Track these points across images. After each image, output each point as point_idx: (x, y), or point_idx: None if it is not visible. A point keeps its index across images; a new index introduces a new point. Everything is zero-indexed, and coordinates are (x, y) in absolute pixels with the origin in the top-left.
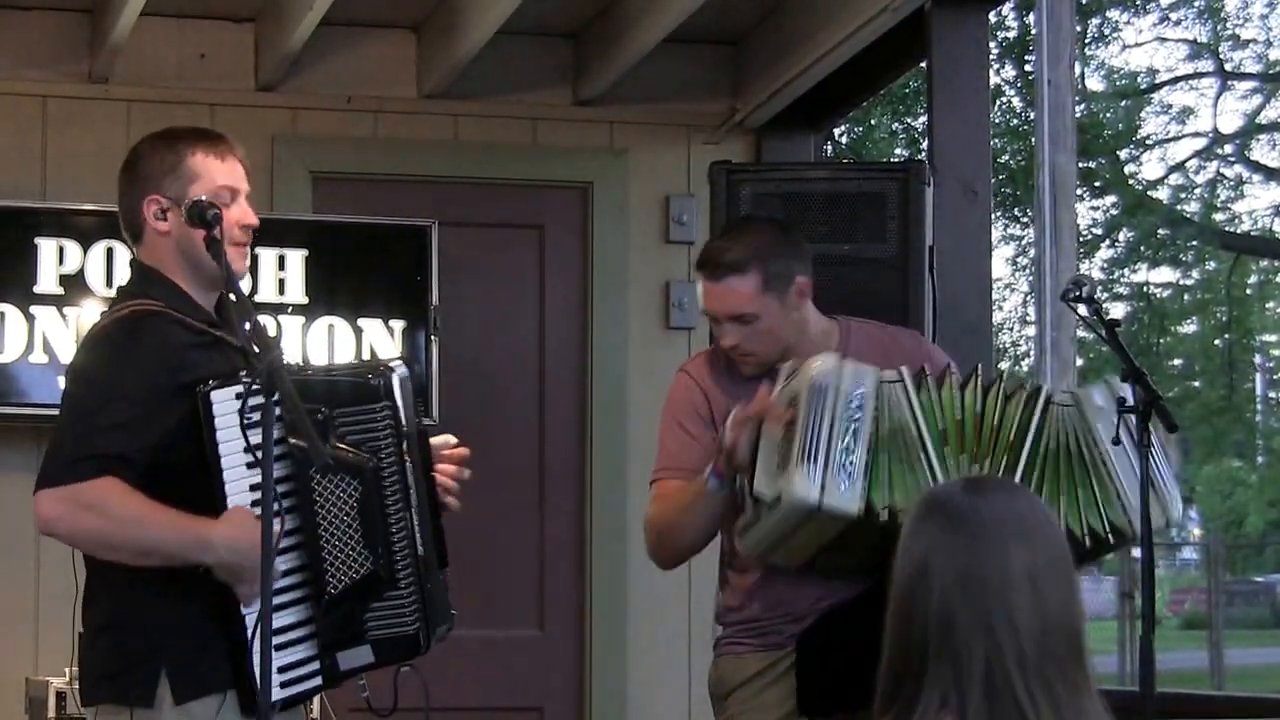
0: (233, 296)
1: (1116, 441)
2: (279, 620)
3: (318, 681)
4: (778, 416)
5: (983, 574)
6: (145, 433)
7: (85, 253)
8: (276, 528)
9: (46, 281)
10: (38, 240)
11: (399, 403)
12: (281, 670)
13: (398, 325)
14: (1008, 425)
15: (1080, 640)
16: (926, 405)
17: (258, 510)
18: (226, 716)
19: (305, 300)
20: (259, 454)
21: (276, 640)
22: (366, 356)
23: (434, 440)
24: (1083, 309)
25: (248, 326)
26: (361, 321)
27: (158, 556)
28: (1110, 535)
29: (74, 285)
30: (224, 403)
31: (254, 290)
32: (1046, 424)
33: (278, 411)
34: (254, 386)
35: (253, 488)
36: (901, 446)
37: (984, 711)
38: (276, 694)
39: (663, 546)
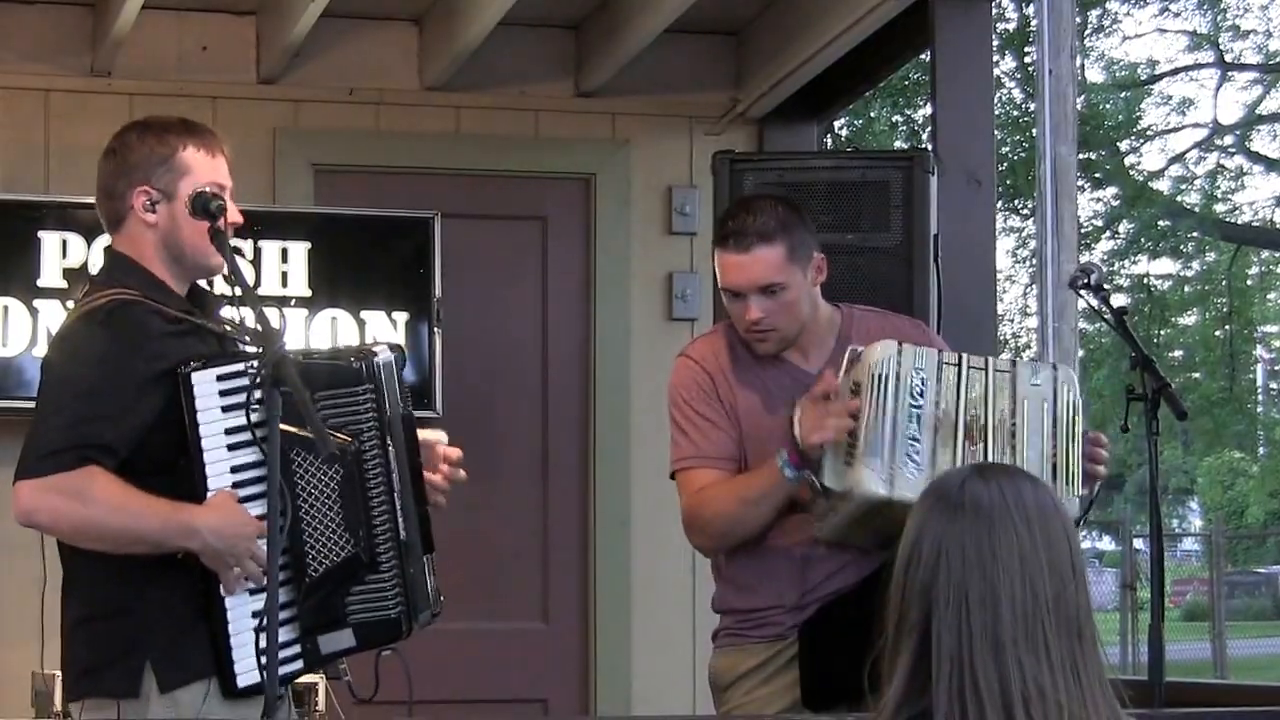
0: (238, 289)
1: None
2: (262, 604)
3: (299, 665)
4: (845, 409)
5: (967, 553)
6: (125, 422)
7: (88, 246)
8: (249, 524)
9: (50, 275)
10: (40, 234)
11: (382, 387)
12: (264, 653)
13: (400, 317)
14: (985, 408)
15: (1077, 626)
16: (966, 391)
17: (240, 493)
18: (211, 702)
19: (308, 293)
20: (256, 433)
21: (257, 624)
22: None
23: (425, 436)
24: (1090, 297)
25: (252, 315)
26: (364, 314)
27: (142, 544)
28: None
29: (77, 279)
30: (204, 384)
31: (257, 283)
32: (995, 393)
33: (257, 395)
34: (257, 375)
35: (234, 469)
36: (945, 427)
37: (951, 687)
38: (257, 677)
39: (722, 538)
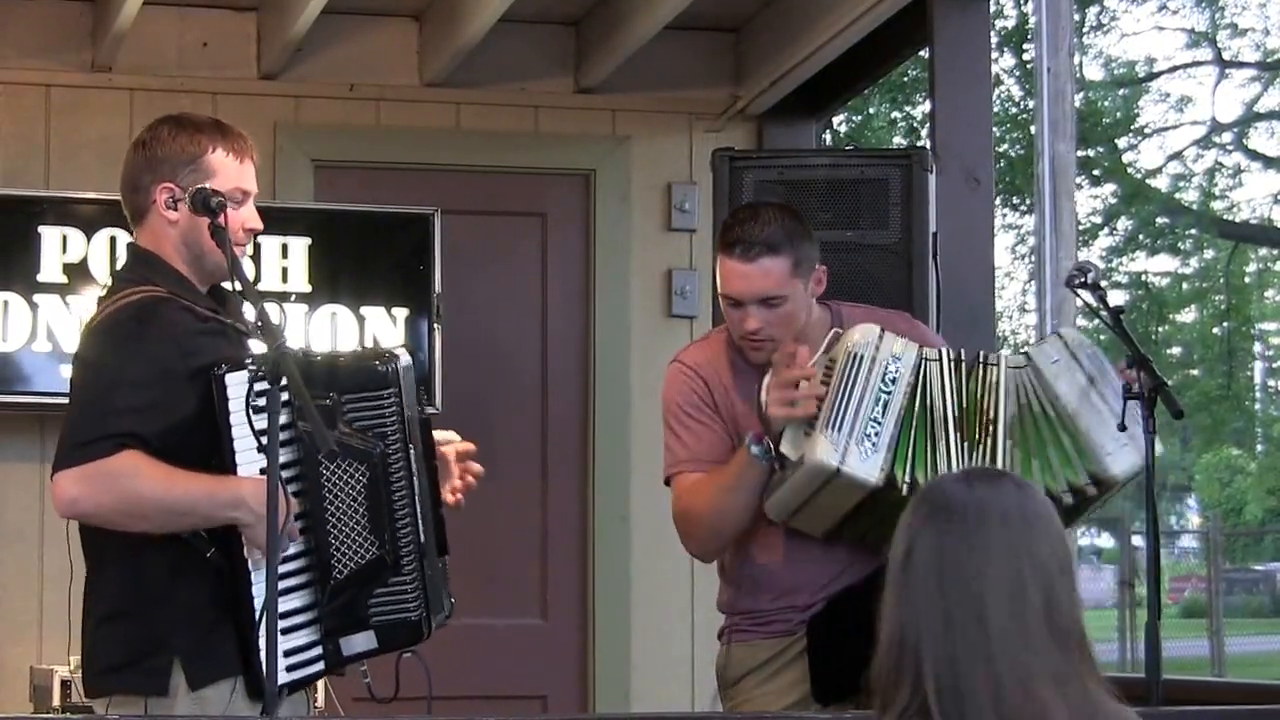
0: (238, 285)
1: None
2: (284, 604)
3: (320, 666)
4: (814, 389)
5: (962, 565)
6: (158, 417)
7: (88, 241)
8: (283, 514)
9: (50, 270)
10: (41, 229)
11: (403, 390)
12: (286, 654)
13: (400, 313)
14: (989, 406)
15: (1072, 633)
16: (957, 387)
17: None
18: (238, 701)
19: (308, 289)
20: (264, 439)
21: (282, 625)
22: (369, 344)
23: (438, 436)
24: (1087, 295)
25: (254, 314)
26: (364, 309)
27: (189, 518)
28: (1090, 484)
29: (77, 274)
30: (237, 385)
31: (257, 278)
32: (1006, 392)
33: (285, 398)
34: (259, 373)
35: (263, 471)
36: (930, 424)
37: (952, 704)
38: (282, 678)
39: (710, 535)
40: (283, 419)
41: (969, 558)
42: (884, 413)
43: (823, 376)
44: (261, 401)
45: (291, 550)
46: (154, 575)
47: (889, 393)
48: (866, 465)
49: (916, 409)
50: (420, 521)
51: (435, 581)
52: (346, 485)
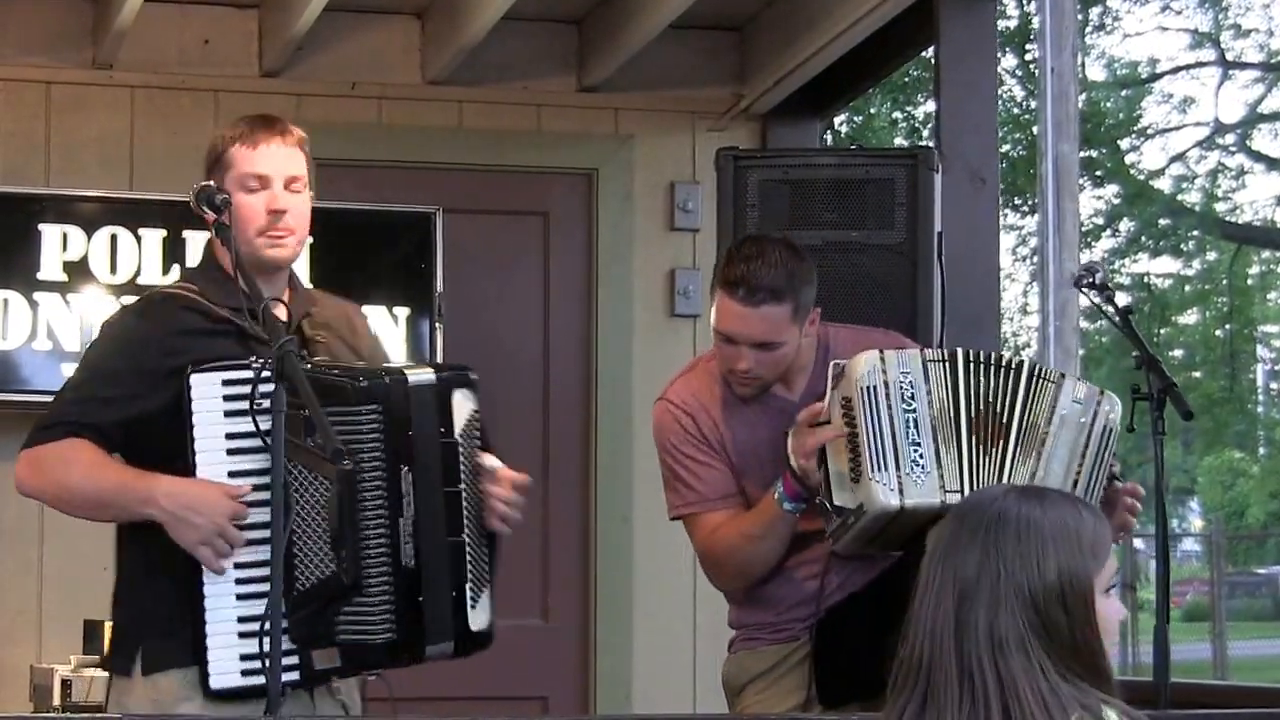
0: (244, 286)
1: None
2: (248, 609)
3: (294, 676)
4: (837, 432)
5: (973, 578)
6: (124, 408)
7: (89, 240)
8: (248, 486)
9: (50, 268)
10: (41, 227)
11: (409, 409)
12: (246, 658)
13: (402, 313)
14: (1007, 408)
15: (1088, 659)
16: (968, 387)
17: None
18: (187, 689)
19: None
20: (259, 426)
21: (243, 629)
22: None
23: (486, 460)
24: (1094, 295)
25: (258, 315)
26: (366, 309)
27: (111, 509)
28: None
29: (77, 272)
30: (204, 386)
31: None
32: (1032, 400)
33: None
34: (264, 373)
35: (230, 474)
36: (944, 426)
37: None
38: (237, 680)
39: (738, 577)
40: (244, 426)
41: (953, 557)
42: (918, 430)
43: (841, 415)
44: (262, 404)
45: (253, 557)
46: (139, 563)
47: (913, 410)
48: (925, 491)
49: (935, 412)
50: (406, 545)
51: (429, 609)
52: (312, 498)
